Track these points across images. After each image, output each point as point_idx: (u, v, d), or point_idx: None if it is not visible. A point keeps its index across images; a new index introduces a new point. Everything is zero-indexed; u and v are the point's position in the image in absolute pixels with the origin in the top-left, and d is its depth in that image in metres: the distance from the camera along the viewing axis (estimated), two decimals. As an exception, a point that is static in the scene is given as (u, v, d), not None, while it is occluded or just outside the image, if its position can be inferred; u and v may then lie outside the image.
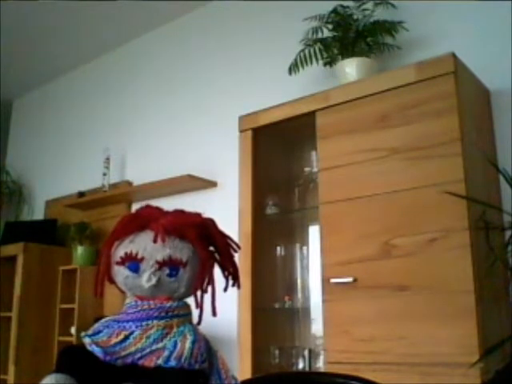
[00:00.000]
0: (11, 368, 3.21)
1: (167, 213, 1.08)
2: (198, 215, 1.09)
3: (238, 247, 1.12)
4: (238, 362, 2.16)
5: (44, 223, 3.88)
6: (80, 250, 3.38)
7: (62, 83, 4.34)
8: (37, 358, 3.27)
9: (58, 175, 4.10)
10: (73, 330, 3.14)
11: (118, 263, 1.03)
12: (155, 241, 1.01)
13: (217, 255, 1.10)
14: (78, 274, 3.23)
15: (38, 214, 4.17)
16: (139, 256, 1.00)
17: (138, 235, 1.03)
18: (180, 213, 1.09)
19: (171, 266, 1.01)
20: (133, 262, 1.01)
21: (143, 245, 1.01)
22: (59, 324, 3.24)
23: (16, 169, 4.42)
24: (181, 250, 1.02)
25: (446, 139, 1.79)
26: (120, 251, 1.03)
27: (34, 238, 3.52)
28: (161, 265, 1.00)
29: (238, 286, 1.11)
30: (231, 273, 1.11)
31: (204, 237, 1.06)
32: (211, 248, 1.09)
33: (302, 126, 2.30)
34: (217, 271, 1.09)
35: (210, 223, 1.08)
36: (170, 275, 1.01)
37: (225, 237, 1.10)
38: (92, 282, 3.39)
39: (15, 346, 3.23)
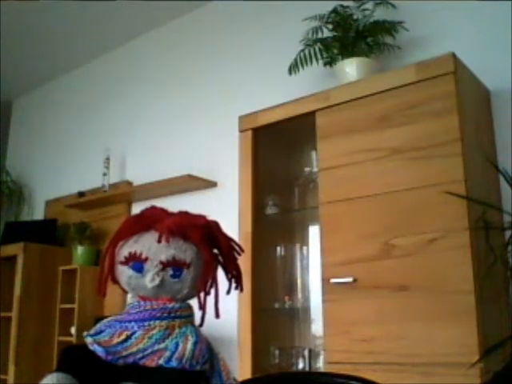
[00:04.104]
0: (11, 368, 3.21)
1: (172, 214, 1.09)
2: (203, 217, 1.09)
3: (242, 250, 1.12)
4: (238, 362, 2.16)
5: (44, 223, 3.88)
6: (80, 250, 3.39)
7: (62, 83, 4.34)
8: (37, 358, 3.27)
9: (57, 175, 4.10)
10: (73, 330, 3.14)
11: (122, 263, 1.03)
12: (160, 241, 1.01)
13: (220, 258, 1.10)
14: (78, 274, 3.23)
15: (38, 214, 4.17)
16: (143, 256, 1.01)
17: (143, 235, 1.04)
18: (184, 214, 1.09)
19: (175, 266, 1.01)
20: (137, 262, 1.01)
21: (147, 245, 1.02)
22: (59, 324, 3.24)
23: (16, 169, 4.42)
24: (185, 251, 1.02)
25: (446, 139, 1.80)
26: (124, 251, 1.03)
27: (34, 237, 3.52)
28: (164, 265, 1.01)
29: (241, 289, 1.11)
30: (234, 275, 1.11)
31: (208, 239, 1.06)
32: (215, 250, 1.09)
33: (302, 125, 2.30)
34: (219, 273, 1.10)
35: (214, 225, 1.09)
36: (173, 276, 1.02)
37: (229, 239, 1.10)
38: (92, 282, 3.40)
39: (15, 346, 3.23)
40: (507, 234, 1.79)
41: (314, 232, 2.39)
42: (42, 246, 3.50)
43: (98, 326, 1.02)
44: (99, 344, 0.95)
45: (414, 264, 1.79)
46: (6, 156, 4.69)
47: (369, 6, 2.36)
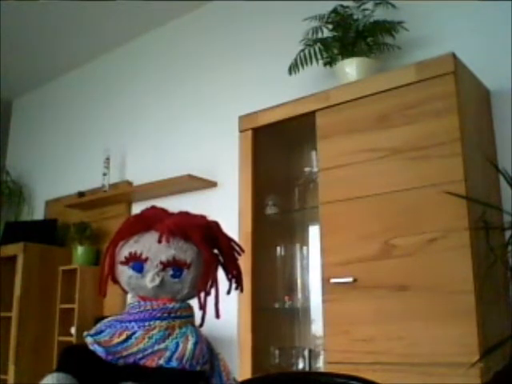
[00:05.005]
0: (11, 368, 3.21)
1: (172, 214, 1.09)
2: (203, 217, 1.09)
3: (242, 250, 1.12)
4: (238, 362, 2.16)
5: (44, 223, 3.88)
6: (80, 250, 3.39)
7: (62, 83, 4.34)
8: (37, 358, 3.27)
9: (57, 175, 4.10)
10: (73, 330, 3.14)
11: (122, 263, 1.03)
12: (160, 241, 1.01)
13: (221, 258, 1.10)
14: (78, 274, 3.23)
15: (38, 214, 4.17)
16: (143, 256, 1.01)
17: (143, 236, 1.04)
18: (185, 214, 1.09)
19: (175, 266, 1.01)
20: (137, 262, 1.01)
21: (148, 245, 1.02)
22: (59, 324, 3.24)
23: (16, 169, 4.42)
24: (185, 252, 1.02)
25: (446, 139, 1.79)
26: (124, 251, 1.03)
27: (34, 237, 3.52)
28: (165, 265, 1.01)
29: (241, 290, 1.11)
30: (235, 276, 1.11)
31: (208, 239, 1.06)
32: (215, 250, 1.09)
33: (302, 125, 2.30)
34: (220, 274, 1.09)
35: (215, 225, 1.09)
36: (173, 276, 1.02)
37: (229, 240, 1.10)
38: (92, 282, 3.41)
39: (15, 346, 3.23)
40: (507, 233, 1.79)
41: (314, 232, 2.39)
42: (42, 246, 3.50)
43: (98, 326, 1.02)
44: (99, 344, 0.95)
45: (414, 264, 1.79)
46: (6, 156, 4.69)
47: (369, 5, 2.36)
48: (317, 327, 2.27)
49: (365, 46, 2.32)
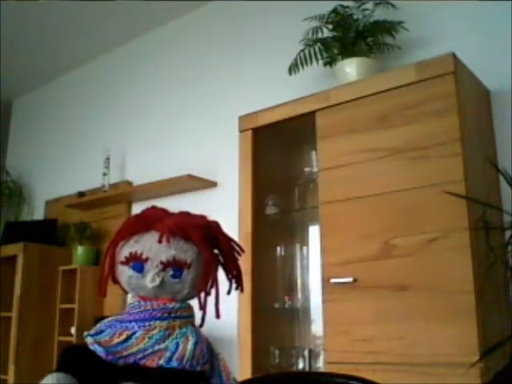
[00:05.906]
0: (11, 368, 3.21)
1: (172, 214, 1.09)
2: (204, 217, 1.09)
3: (242, 250, 1.12)
4: (238, 362, 2.16)
5: (44, 223, 3.88)
6: (80, 250, 3.39)
7: (62, 83, 4.34)
8: (37, 358, 3.27)
9: (57, 175, 4.10)
10: (73, 330, 3.14)
11: (122, 263, 1.03)
12: (160, 241, 1.01)
13: (221, 258, 1.10)
14: (78, 274, 3.23)
15: (38, 214, 4.17)
16: (144, 256, 1.01)
17: (143, 236, 1.04)
18: (185, 214, 1.10)
19: (175, 267, 1.02)
20: (137, 262, 1.01)
21: (148, 245, 1.02)
22: (59, 324, 3.24)
23: (16, 169, 4.42)
24: (185, 252, 1.03)
25: (445, 139, 1.80)
26: (125, 251, 1.03)
27: (34, 237, 3.52)
28: (165, 265, 1.01)
29: (242, 290, 1.12)
30: (235, 276, 1.11)
31: (209, 239, 1.06)
32: (215, 250, 1.09)
33: (302, 125, 2.30)
34: (220, 274, 1.10)
35: (215, 225, 1.09)
36: (173, 276, 1.02)
37: (229, 240, 1.10)
38: (92, 282, 3.40)
39: (15, 346, 3.23)
40: (507, 233, 1.79)
41: (314, 232, 2.39)
42: (41, 246, 3.50)
43: (99, 326, 1.02)
44: (99, 344, 0.95)
45: (414, 264, 1.79)
46: (6, 156, 4.69)
47: (369, 5, 2.36)
48: (317, 327, 2.27)
49: (365, 45, 2.32)
